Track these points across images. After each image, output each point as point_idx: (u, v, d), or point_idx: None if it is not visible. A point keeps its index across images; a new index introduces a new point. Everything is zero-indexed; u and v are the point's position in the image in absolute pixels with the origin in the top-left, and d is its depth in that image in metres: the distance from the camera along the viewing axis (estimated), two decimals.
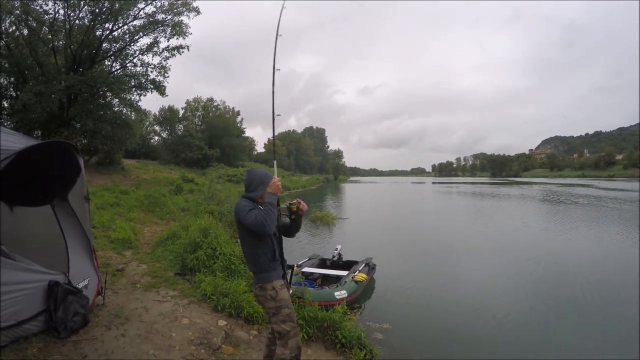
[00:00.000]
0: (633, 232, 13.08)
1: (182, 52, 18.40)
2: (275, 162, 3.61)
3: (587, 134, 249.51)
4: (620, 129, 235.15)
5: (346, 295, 5.75)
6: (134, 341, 3.32)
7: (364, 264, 7.25)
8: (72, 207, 3.73)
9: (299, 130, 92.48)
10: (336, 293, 5.69)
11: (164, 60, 18.42)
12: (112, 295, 4.31)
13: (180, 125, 38.95)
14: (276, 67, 3.23)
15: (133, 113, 20.66)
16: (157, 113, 38.05)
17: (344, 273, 6.88)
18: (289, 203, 2.78)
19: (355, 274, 6.59)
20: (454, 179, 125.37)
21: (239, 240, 2.72)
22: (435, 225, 16.39)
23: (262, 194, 2.60)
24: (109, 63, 18.48)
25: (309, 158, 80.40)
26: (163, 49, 18.21)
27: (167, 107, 38.07)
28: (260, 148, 68.71)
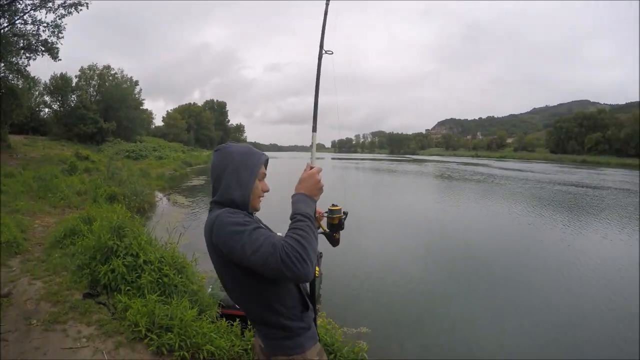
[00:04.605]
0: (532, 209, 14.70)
1: (80, 10, 16.50)
2: (314, 135, 1.78)
3: (480, 118, 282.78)
4: (512, 116, 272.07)
5: None
6: None
7: None
8: None
9: (201, 103, 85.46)
10: None
11: (59, 19, 16.33)
12: None
13: (73, 96, 33.82)
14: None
15: (21, 80, 17.98)
16: (47, 81, 32.34)
17: None
18: (329, 210, 1.53)
19: None
20: (353, 155, 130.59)
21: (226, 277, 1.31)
22: (346, 203, 16.50)
23: (255, 193, 1.35)
24: None
25: (210, 132, 75.48)
26: (59, 5, 16.15)
27: (59, 75, 32.59)
28: (158, 122, 65.03)
